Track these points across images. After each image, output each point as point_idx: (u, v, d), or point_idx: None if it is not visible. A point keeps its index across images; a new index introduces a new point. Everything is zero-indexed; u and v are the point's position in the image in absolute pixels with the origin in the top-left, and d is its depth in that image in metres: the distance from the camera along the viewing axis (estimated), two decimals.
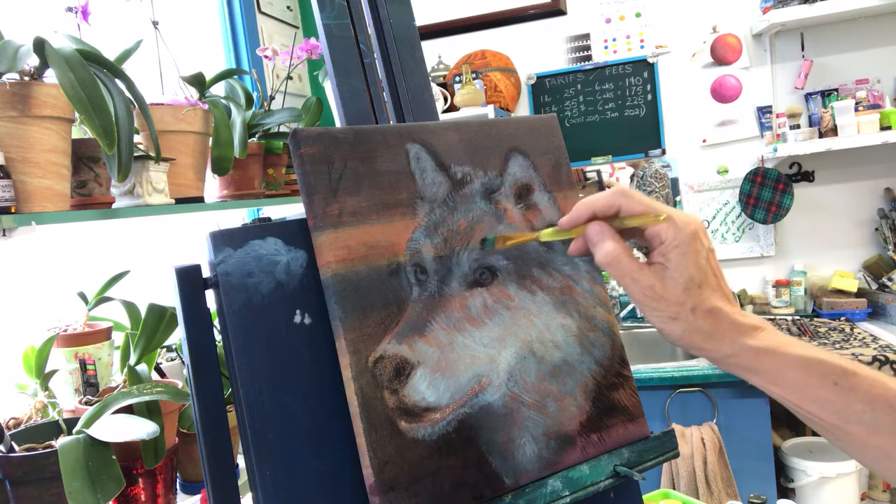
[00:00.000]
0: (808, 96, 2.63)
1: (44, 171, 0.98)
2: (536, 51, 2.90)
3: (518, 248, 0.64)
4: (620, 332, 0.77)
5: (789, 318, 2.52)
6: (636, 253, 0.57)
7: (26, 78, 0.95)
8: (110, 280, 1.22)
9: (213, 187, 1.60)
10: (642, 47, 2.82)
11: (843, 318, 2.48)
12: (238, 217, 1.79)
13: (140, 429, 0.91)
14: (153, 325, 1.13)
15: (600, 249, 0.54)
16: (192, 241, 1.77)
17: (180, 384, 1.13)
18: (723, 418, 2.08)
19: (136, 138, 1.22)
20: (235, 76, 1.59)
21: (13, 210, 0.93)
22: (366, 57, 0.69)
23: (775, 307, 2.63)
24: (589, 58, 2.87)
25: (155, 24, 1.40)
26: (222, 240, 0.54)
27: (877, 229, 2.63)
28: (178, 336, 1.04)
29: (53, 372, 1.11)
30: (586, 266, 0.68)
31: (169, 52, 1.41)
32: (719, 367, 0.55)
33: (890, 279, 2.49)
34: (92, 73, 0.95)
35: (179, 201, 1.30)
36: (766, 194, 2.63)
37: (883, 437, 0.49)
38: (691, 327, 0.53)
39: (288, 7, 2.67)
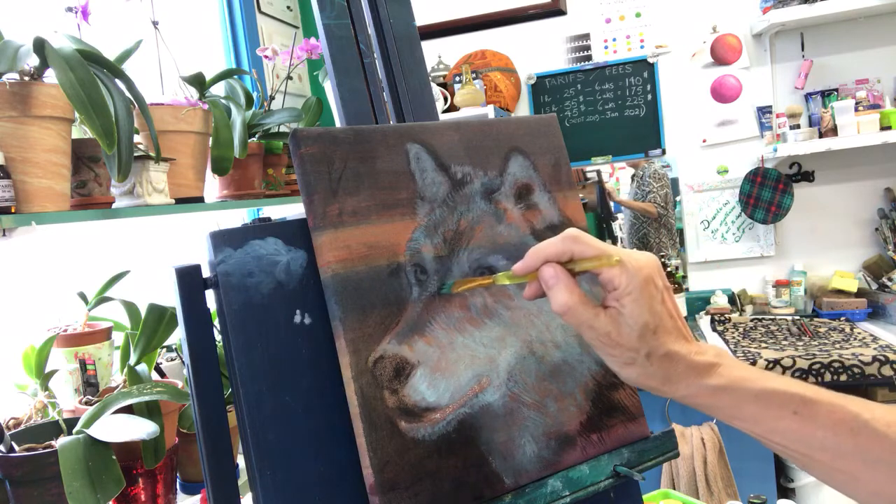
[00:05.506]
0: (808, 96, 2.63)
1: (44, 171, 0.98)
2: (536, 51, 2.90)
3: (518, 248, 0.64)
4: None
5: (789, 318, 2.52)
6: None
7: (26, 78, 0.95)
8: (110, 280, 1.22)
9: (213, 187, 1.60)
10: (642, 47, 2.82)
11: (843, 318, 2.47)
12: (238, 217, 1.79)
13: (140, 429, 0.91)
14: (153, 325, 1.13)
15: (555, 299, 0.52)
16: (192, 241, 1.77)
17: (180, 384, 1.13)
18: None
19: (136, 138, 1.22)
20: (235, 76, 1.59)
21: (13, 210, 0.93)
22: (366, 57, 0.69)
23: (775, 307, 2.63)
24: (589, 58, 2.87)
25: (155, 24, 1.40)
26: (222, 240, 0.54)
27: (877, 229, 2.63)
28: (178, 336, 1.04)
29: (53, 372, 1.11)
30: None
31: (169, 52, 1.41)
32: (680, 402, 0.55)
33: (890, 279, 2.48)
34: (92, 73, 0.95)
35: (179, 201, 1.30)
36: (766, 194, 2.63)
37: (847, 461, 0.50)
38: (647, 372, 0.53)
39: (288, 7, 2.67)
